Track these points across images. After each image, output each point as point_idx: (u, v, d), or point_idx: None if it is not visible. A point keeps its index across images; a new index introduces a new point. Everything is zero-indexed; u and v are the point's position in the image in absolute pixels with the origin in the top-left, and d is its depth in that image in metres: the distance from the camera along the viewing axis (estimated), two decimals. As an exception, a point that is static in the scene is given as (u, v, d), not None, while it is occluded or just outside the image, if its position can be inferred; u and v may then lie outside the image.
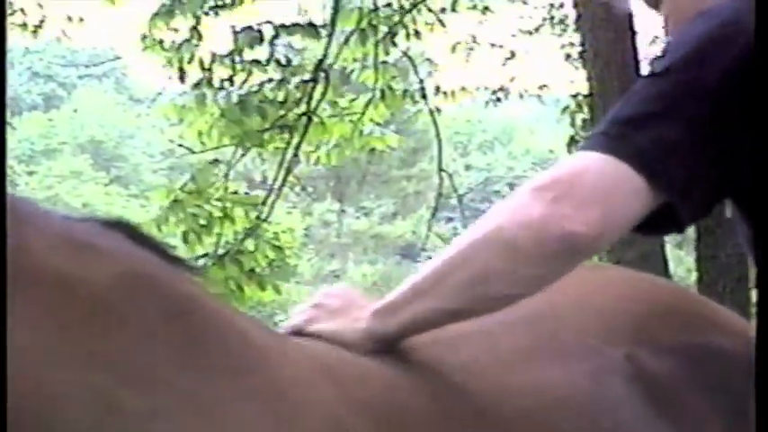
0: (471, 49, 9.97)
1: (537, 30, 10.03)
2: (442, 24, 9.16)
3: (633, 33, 7.04)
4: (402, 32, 8.54)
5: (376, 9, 8.25)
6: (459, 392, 1.69)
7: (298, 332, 1.77)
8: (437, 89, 9.27)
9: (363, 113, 8.17)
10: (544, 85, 9.93)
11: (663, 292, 2.04)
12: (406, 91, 8.58)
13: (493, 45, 10.14)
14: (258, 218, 7.81)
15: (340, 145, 8.23)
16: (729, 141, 1.62)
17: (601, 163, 1.63)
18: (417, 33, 8.76)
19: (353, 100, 8.32)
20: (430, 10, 8.97)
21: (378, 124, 8.38)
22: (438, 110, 9.00)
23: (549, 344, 1.83)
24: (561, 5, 9.70)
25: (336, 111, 8.10)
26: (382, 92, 8.23)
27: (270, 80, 7.61)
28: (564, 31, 9.69)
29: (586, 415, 1.77)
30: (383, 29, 8.23)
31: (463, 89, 9.39)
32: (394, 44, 8.37)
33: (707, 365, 1.89)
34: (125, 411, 1.33)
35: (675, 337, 1.91)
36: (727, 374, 1.89)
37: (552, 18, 9.89)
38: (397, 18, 8.42)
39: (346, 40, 8.03)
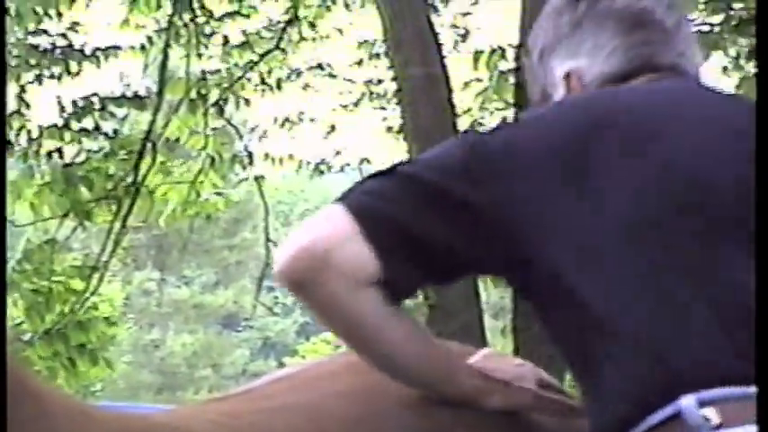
0: (293, 122, 10.12)
1: (356, 104, 10.22)
2: (272, 88, 9.23)
3: (452, 107, 7.21)
4: (231, 100, 8.63)
5: (204, 78, 8.31)
6: None
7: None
8: (266, 155, 9.34)
9: (194, 181, 8.22)
10: (365, 159, 10.13)
11: None
12: (234, 156, 8.65)
13: (312, 120, 10.35)
14: (86, 291, 7.71)
15: (175, 210, 8.27)
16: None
17: None
18: (247, 101, 8.87)
19: (183, 164, 8.34)
20: (263, 81, 9.08)
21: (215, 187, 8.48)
22: (262, 177, 9.07)
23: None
24: (380, 81, 9.92)
25: (167, 179, 8.11)
26: (212, 159, 8.29)
27: (97, 151, 7.58)
28: (383, 107, 9.89)
29: None
30: (213, 96, 8.29)
31: (290, 157, 9.49)
32: (222, 112, 8.43)
33: None
34: None
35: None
36: None
37: (372, 93, 10.09)
38: (225, 86, 8.50)
39: (176, 110, 8.06)
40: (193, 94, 8.25)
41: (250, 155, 8.87)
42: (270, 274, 9.59)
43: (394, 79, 7.51)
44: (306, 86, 10.07)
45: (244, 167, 8.85)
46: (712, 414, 1.55)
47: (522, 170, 1.78)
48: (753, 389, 1.56)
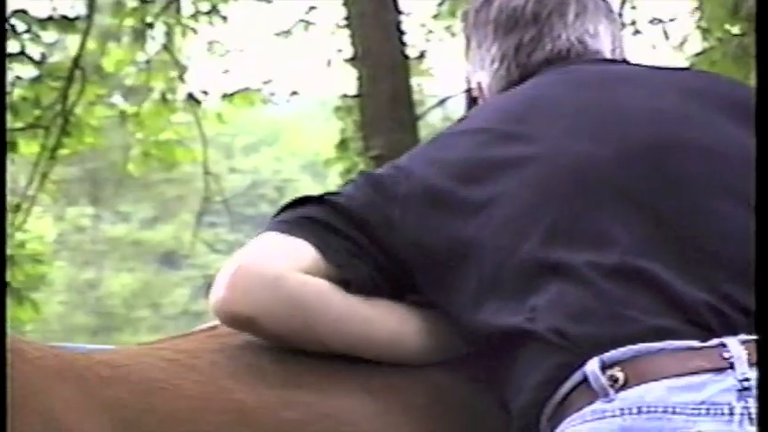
0: (228, 51, 10.03)
1: (289, 32, 10.13)
2: (208, 12, 9.16)
3: (402, 33, 7.18)
4: (178, 30, 8.55)
5: (145, 1, 8.21)
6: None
7: None
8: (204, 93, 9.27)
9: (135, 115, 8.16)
10: (295, 92, 10.13)
11: None
12: (190, 95, 8.57)
13: (242, 51, 10.32)
14: (12, 227, 7.61)
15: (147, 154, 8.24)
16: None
17: None
18: (194, 30, 8.80)
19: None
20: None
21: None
22: (198, 103, 9.03)
23: None
24: (313, 8, 9.84)
25: (106, 112, 8.05)
26: (163, 96, 8.24)
27: (20, 78, 7.46)
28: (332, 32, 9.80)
29: None
30: (160, 28, 8.22)
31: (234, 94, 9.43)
32: (167, 47, 8.35)
33: None
34: None
35: None
36: None
37: (306, 21, 10.01)
38: (167, 14, 8.41)
39: (116, 38, 7.98)
40: (131, 21, 8.16)
41: (191, 94, 8.85)
42: (210, 209, 9.55)
43: (345, 4, 7.47)
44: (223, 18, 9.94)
45: (198, 103, 8.82)
46: (619, 374, 1.66)
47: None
48: (663, 343, 1.67)
